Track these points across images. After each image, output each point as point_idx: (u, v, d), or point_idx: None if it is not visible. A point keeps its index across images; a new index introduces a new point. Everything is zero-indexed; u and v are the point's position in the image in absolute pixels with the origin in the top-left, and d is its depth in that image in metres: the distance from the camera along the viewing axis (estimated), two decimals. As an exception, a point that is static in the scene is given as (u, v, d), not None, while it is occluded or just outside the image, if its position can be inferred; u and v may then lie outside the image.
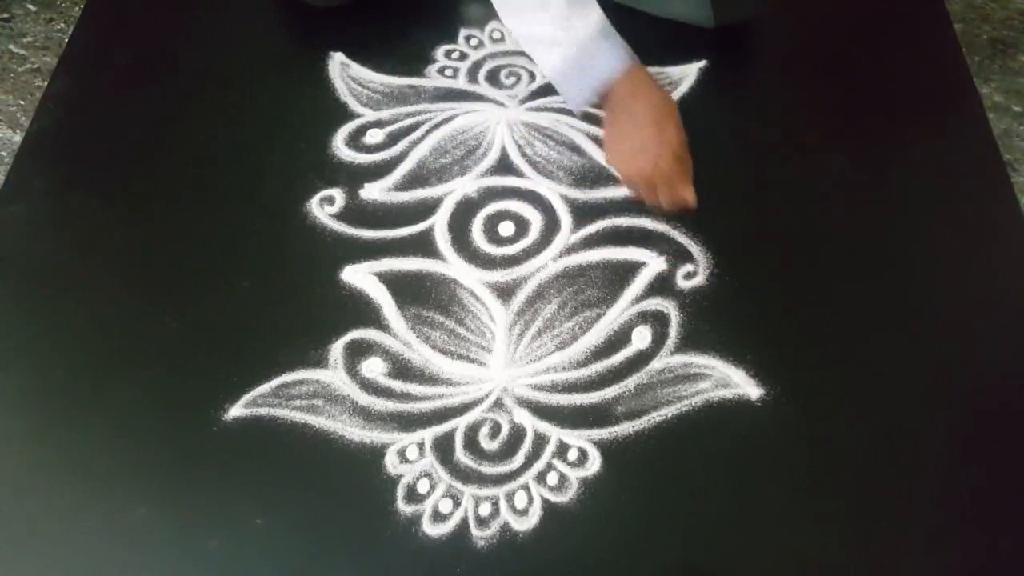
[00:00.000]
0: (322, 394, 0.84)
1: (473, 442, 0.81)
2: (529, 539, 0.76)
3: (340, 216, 0.96)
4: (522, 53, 1.09)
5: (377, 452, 0.81)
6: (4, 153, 1.25)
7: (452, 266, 0.92)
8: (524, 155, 1.00)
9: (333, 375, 0.85)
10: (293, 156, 1.01)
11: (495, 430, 0.82)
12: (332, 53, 1.09)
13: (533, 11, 0.83)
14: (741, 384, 0.83)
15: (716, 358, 0.85)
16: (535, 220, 0.95)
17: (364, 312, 0.89)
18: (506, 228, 0.95)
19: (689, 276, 0.90)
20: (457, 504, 0.78)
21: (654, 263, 0.91)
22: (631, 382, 0.84)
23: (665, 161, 0.85)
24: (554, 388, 0.84)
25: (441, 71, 1.08)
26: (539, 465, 0.80)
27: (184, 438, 0.82)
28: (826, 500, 0.78)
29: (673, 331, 0.87)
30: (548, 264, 0.92)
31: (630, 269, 0.91)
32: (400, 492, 0.78)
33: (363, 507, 0.78)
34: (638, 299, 0.89)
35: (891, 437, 0.81)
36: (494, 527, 0.77)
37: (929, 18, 1.13)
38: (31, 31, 1.41)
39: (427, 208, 0.96)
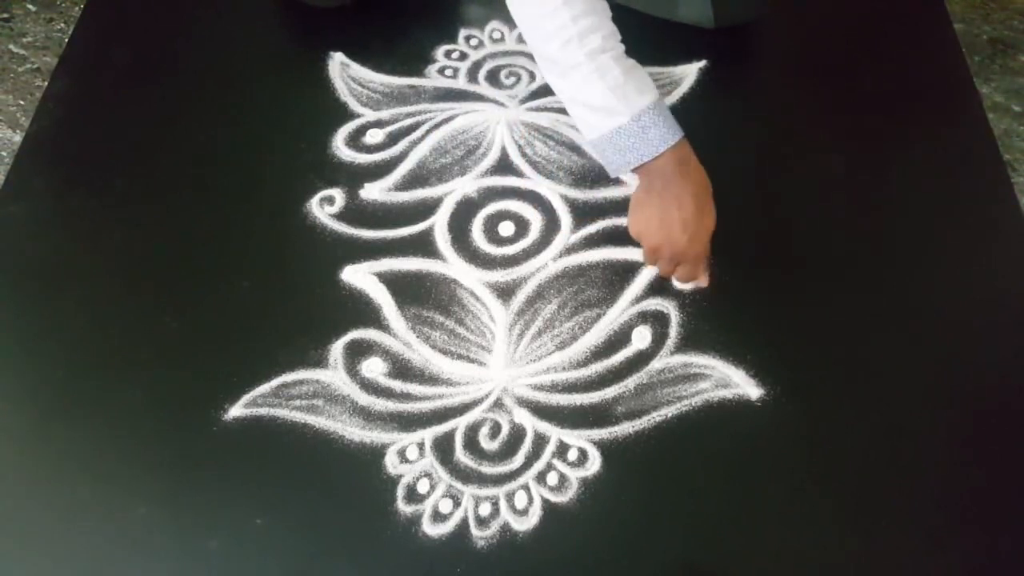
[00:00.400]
0: (322, 394, 0.84)
1: (473, 442, 0.81)
2: (529, 539, 0.76)
3: (340, 216, 0.96)
4: (522, 53, 1.09)
5: (377, 452, 0.81)
6: (4, 153, 1.25)
7: (452, 266, 0.92)
8: (524, 155, 1.00)
9: (333, 375, 0.85)
10: (293, 156, 1.01)
11: (495, 430, 0.82)
12: (332, 53, 1.09)
13: (586, 78, 0.81)
14: (741, 384, 0.83)
15: (716, 358, 0.85)
16: (535, 220, 0.95)
17: (364, 312, 0.89)
18: (506, 228, 0.95)
19: (689, 276, 0.90)
20: (457, 504, 0.78)
21: (654, 263, 0.91)
22: (631, 382, 0.84)
23: (700, 243, 0.84)
24: (554, 388, 0.84)
25: (441, 71, 1.08)
26: (539, 465, 0.80)
27: (184, 438, 0.82)
28: (826, 500, 0.78)
29: (673, 331, 0.87)
30: (548, 264, 0.92)
31: (630, 269, 0.91)
32: (400, 492, 0.78)
33: (363, 507, 0.78)
34: (638, 299, 0.89)
35: (891, 437, 0.81)
36: (494, 527, 0.77)
37: (929, 18, 1.13)
38: (31, 31, 1.41)
39: (427, 208, 0.96)
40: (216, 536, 0.77)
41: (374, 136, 1.02)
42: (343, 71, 1.07)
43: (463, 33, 1.12)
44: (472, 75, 1.07)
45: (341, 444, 0.81)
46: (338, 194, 0.97)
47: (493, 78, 1.07)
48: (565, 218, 0.95)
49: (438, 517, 0.77)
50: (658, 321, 0.88)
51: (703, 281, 0.88)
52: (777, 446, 0.81)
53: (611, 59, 0.81)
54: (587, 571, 0.76)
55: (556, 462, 0.80)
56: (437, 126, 1.02)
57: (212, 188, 0.99)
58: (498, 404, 0.83)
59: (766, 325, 0.88)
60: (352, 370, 0.85)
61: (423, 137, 1.01)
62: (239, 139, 1.03)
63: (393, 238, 0.94)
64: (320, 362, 0.86)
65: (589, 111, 0.83)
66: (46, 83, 1.14)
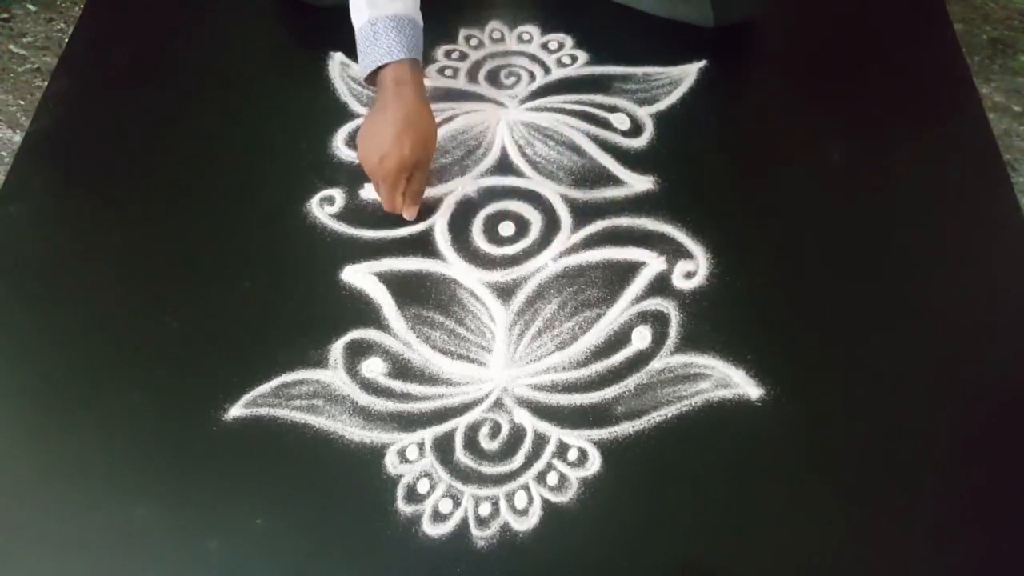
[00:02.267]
0: (322, 394, 0.84)
1: (473, 442, 0.81)
2: (529, 539, 0.76)
3: (340, 216, 0.96)
4: (522, 53, 1.09)
5: (377, 452, 0.81)
6: (4, 153, 1.25)
7: (452, 266, 0.92)
8: (524, 155, 1.00)
9: (333, 375, 0.85)
10: (293, 156, 1.01)
11: (495, 430, 0.82)
12: (332, 53, 1.09)
13: None
14: (741, 384, 0.83)
15: (716, 358, 0.85)
16: (535, 220, 0.95)
17: (364, 312, 0.89)
18: (506, 228, 0.95)
19: (689, 276, 0.90)
20: (457, 504, 0.78)
21: (654, 263, 0.91)
22: (631, 382, 0.84)
23: (389, 163, 0.89)
24: (554, 388, 0.84)
25: (441, 71, 1.08)
26: (539, 465, 0.80)
27: (184, 438, 0.82)
28: (826, 500, 0.78)
29: (673, 331, 0.87)
30: (548, 264, 0.92)
31: (630, 269, 0.91)
32: (400, 492, 0.78)
33: (363, 507, 0.78)
34: (638, 299, 0.89)
35: (891, 437, 0.81)
36: (494, 527, 0.77)
37: (929, 18, 1.13)
38: (31, 31, 1.41)
39: (427, 208, 0.96)
40: (216, 536, 0.77)
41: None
42: (343, 71, 1.07)
43: (463, 33, 1.12)
44: (472, 75, 1.07)
45: (341, 444, 0.81)
46: (338, 194, 0.97)
47: (493, 78, 1.07)
48: (565, 218, 0.95)
49: (438, 517, 0.77)
50: (658, 321, 0.88)
51: (406, 214, 0.93)
52: (777, 446, 0.81)
53: None
54: (587, 571, 0.76)
55: (556, 462, 0.80)
56: (437, 126, 1.02)
57: (212, 188, 0.99)
58: (498, 404, 0.83)
59: (766, 325, 0.88)
60: (352, 370, 0.85)
61: (423, 137, 1.01)
62: (239, 139, 1.03)
63: (393, 238, 0.94)
64: (320, 362, 0.86)
65: (353, 4, 0.90)
66: (46, 83, 1.14)
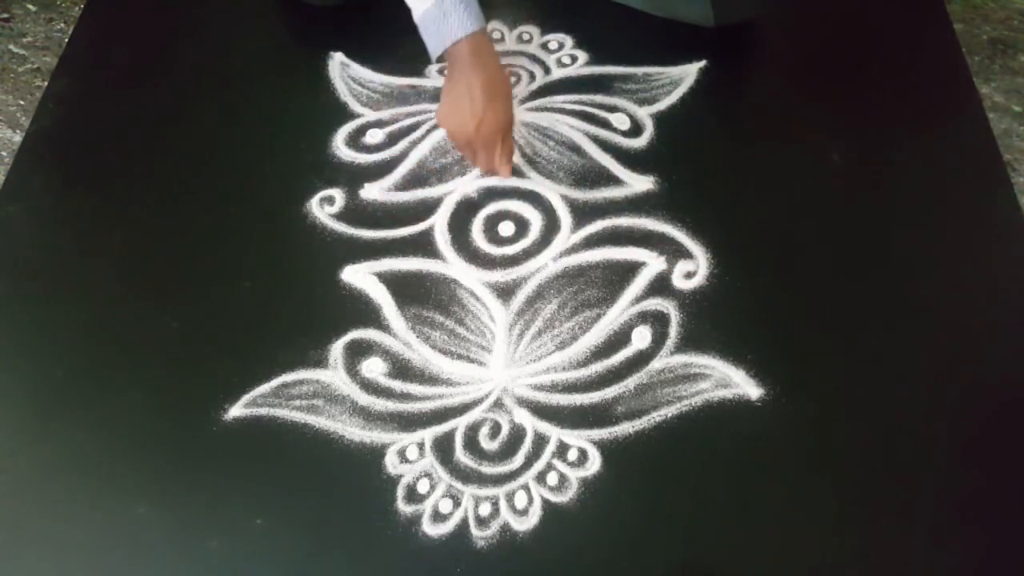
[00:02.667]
0: (322, 394, 0.84)
1: (473, 442, 0.81)
2: (529, 539, 0.76)
3: (340, 216, 0.96)
4: (522, 53, 1.09)
5: (377, 452, 0.81)
6: (4, 153, 1.25)
7: (452, 266, 0.92)
8: (524, 155, 1.00)
9: (333, 375, 0.85)
10: (293, 156, 1.01)
11: (495, 430, 0.82)
12: (332, 53, 1.09)
13: None
14: (741, 384, 0.83)
15: (716, 358, 0.85)
16: (535, 220, 0.95)
17: (364, 312, 0.89)
18: (506, 228, 0.95)
19: (689, 276, 0.90)
20: (457, 504, 0.78)
21: (654, 263, 0.91)
22: (631, 382, 0.84)
23: (486, 127, 0.91)
24: (554, 388, 0.84)
25: (441, 71, 1.08)
26: (539, 465, 0.80)
27: (184, 438, 0.82)
28: (826, 500, 0.78)
29: (673, 331, 0.87)
30: (548, 264, 0.92)
31: (630, 269, 0.91)
32: (400, 492, 0.78)
33: (363, 507, 0.78)
34: (638, 299, 0.89)
35: (891, 437, 0.81)
36: (494, 527, 0.77)
37: (929, 18, 1.13)
38: (31, 31, 1.41)
39: (427, 208, 0.96)
40: (216, 536, 0.77)
41: (374, 136, 1.02)
42: (343, 71, 1.07)
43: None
44: (472, 75, 1.07)
45: (341, 444, 0.81)
46: (338, 194, 0.97)
47: (493, 78, 1.07)
48: (565, 218, 0.95)
49: (438, 517, 0.77)
50: (658, 321, 0.88)
51: (502, 173, 0.95)
52: (777, 446, 0.81)
53: None
54: (587, 571, 0.76)
55: (556, 462, 0.80)
56: (437, 126, 1.02)
57: (212, 188, 0.99)
58: (498, 404, 0.83)
59: (766, 325, 0.88)
60: (352, 370, 0.85)
61: (423, 137, 1.01)
62: (239, 139, 1.03)
63: (393, 238, 0.94)
64: (320, 362, 0.86)
65: None
66: (46, 83, 1.14)
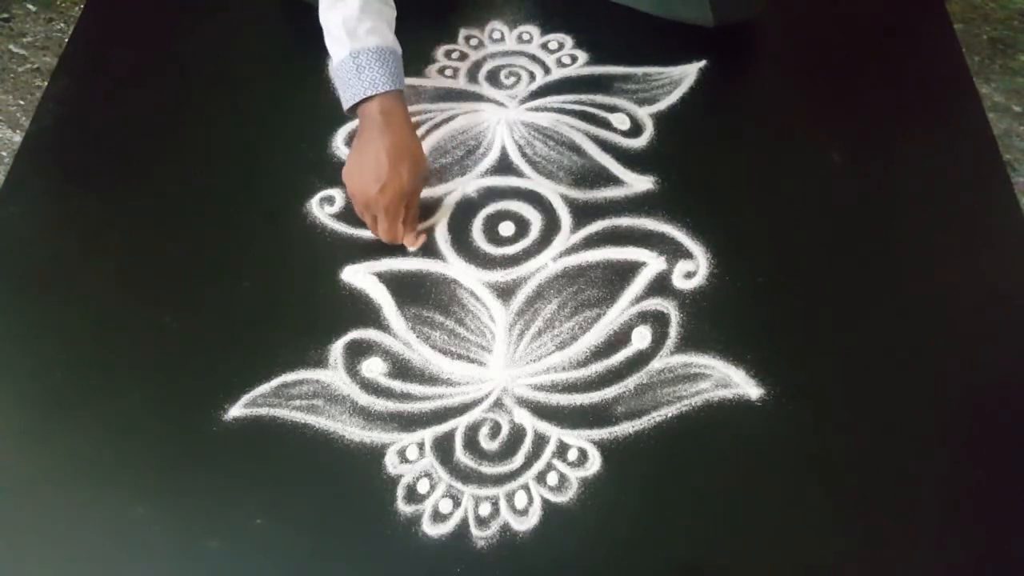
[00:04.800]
0: (322, 394, 0.84)
1: (473, 442, 0.81)
2: (529, 539, 0.76)
3: (340, 216, 0.96)
4: (522, 53, 1.09)
5: (377, 452, 0.81)
6: (4, 153, 1.25)
7: (452, 266, 0.92)
8: (524, 155, 1.00)
9: (333, 375, 0.85)
10: (293, 156, 1.01)
11: (495, 430, 0.82)
12: (332, 53, 1.08)
13: (332, 5, 0.90)
14: (741, 384, 0.83)
15: (716, 358, 0.85)
16: (535, 220, 0.95)
17: (364, 312, 0.89)
18: (506, 228, 0.95)
19: (689, 276, 0.90)
20: (457, 504, 0.78)
21: (654, 263, 0.91)
22: (631, 382, 0.84)
23: (389, 192, 0.89)
24: (554, 388, 0.84)
25: (441, 71, 1.08)
26: (539, 465, 0.80)
27: (184, 438, 0.82)
28: (826, 500, 0.78)
29: (673, 331, 0.87)
30: (548, 264, 0.92)
31: (630, 269, 0.91)
32: (400, 492, 0.78)
33: (363, 507, 0.78)
34: (638, 299, 0.89)
35: (891, 437, 0.81)
36: (494, 527, 0.77)
37: (929, 18, 1.14)
38: (31, 31, 1.41)
39: (427, 208, 0.96)
40: (216, 536, 0.77)
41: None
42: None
43: (463, 33, 1.12)
44: (472, 75, 1.07)
45: (341, 444, 0.81)
46: (338, 194, 0.97)
47: (493, 78, 1.07)
48: (565, 218, 0.95)
49: (438, 517, 0.77)
50: (658, 321, 0.88)
51: (408, 242, 0.92)
52: (777, 446, 0.81)
53: None
54: (587, 571, 0.76)
55: (556, 462, 0.80)
56: (437, 126, 1.02)
57: (212, 188, 0.99)
58: (498, 404, 0.83)
59: (766, 325, 0.88)
60: (352, 370, 0.85)
61: (423, 137, 1.01)
62: (239, 139, 1.03)
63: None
64: (320, 362, 0.86)
65: (329, 38, 0.91)
66: (46, 83, 1.14)
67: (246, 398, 0.83)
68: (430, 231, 0.95)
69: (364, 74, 0.88)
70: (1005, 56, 1.34)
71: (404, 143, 0.89)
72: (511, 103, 1.04)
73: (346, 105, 0.90)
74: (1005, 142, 1.22)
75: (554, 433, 0.82)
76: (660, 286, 0.90)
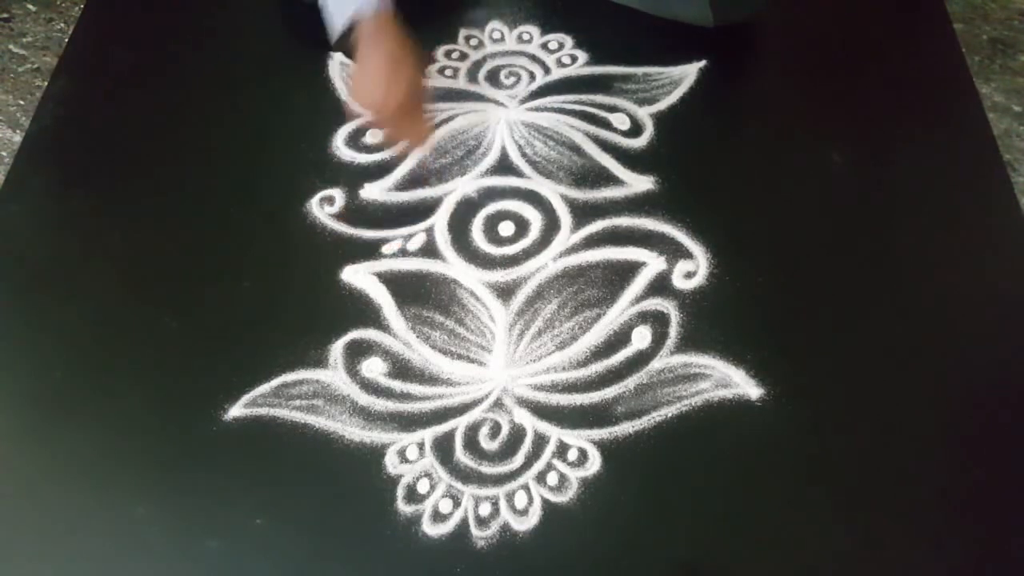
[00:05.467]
0: (322, 394, 0.84)
1: (473, 442, 0.81)
2: (529, 539, 0.76)
3: (340, 216, 0.96)
4: (522, 53, 1.09)
5: (377, 452, 0.81)
6: (4, 153, 1.25)
7: (452, 266, 0.92)
8: (524, 155, 1.00)
9: (333, 375, 0.85)
10: (293, 156, 1.01)
11: (495, 430, 0.82)
12: (332, 53, 1.08)
13: None
14: (741, 384, 0.83)
15: (716, 358, 0.85)
16: (535, 220, 0.95)
17: (364, 312, 0.89)
18: (506, 228, 0.95)
19: (689, 276, 0.90)
20: (457, 504, 0.78)
21: (654, 263, 0.91)
22: (631, 382, 0.84)
23: (395, 98, 0.91)
24: (554, 388, 0.84)
25: (441, 71, 1.08)
26: (539, 465, 0.80)
27: (184, 438, 0.82)
28: (826, 500, 0.78)
29: (673, 331, 0.87)
30: (548, 264, 0.92)
31: (630, 269, 0.91)
32: (400, 492, 0.78)
33: (363, 507, 0.78)
34: (638, 299, 0.89)
35: (891, 437, 0.81)
36: (494, 527, 0.77)
37: (929, 18, 1.13)
38: (31, 31, 1.41)
39: (427, 208, 0.96)
40: (216, 536, 0.77)
41: (374, 136, 1.02)
42: (343, 71, 1.07)
43: (463, 33, 1.12)
44: (472, 75, 1.07)
45: (341, 444, 0.81)
46: (338, 194, 0.97)
47: (493, 78, 1.07)
48: (565, 218, 0.95)
49: (438, 517, 0.77)
50: (658, 321, 0.88)
51: (424, 138, 0.95)
52: (777, 446, 0.81)
53: None
54: (587, 571, 0.76)
55: (556, 462, 0.80)
56: (437, 126, 1.02)
57: (212, 188, 0.99)
58: (498, 404, 0.83)
59: (766, 325, 0.88)
60: (352, 370, 0.85)
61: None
62: (239, 139, 1.03)
63: (393, 238, 0.94)
64: (320, 362, 0.86)
65: None
66: (46, 83, 1.14)
67: (246, 398, 0.83)
68: (430, 230, 0.95)
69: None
70: (1005, 56, 1.34)
71: (396, 52, 0.92)
72: (511, 103, 1.04)
73: (337, 31, 0.94)
74: (1005, 142, 1.22)
75: (554, 433, 0.82)
76: (660, 286, 0.90)
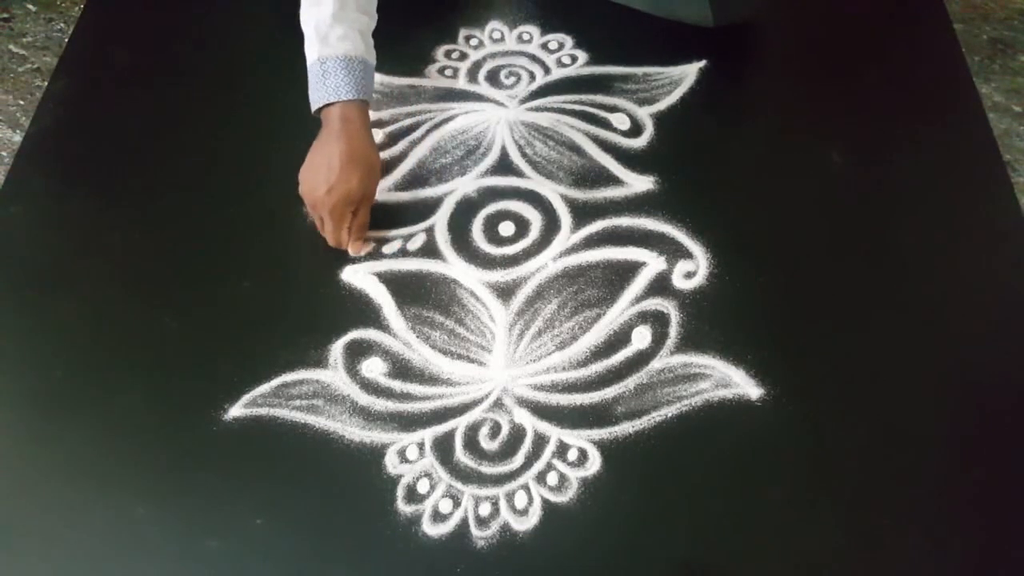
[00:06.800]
0: (322, 394, 0.84)
1: (473, 442, 0.81)
2: (529, 539, 0.76)
3: (340, 216, 0.96)
4: (522, 53, 1.09)
5: (377, 452, 0.81)
6: (4, 153, 1.25)
7: (452, 266, 0.92)
8: (524, 155, 1.00)
9: (333, 375, 0.85)
10: (293, 156, 1.00)
11: (495, 430, 0.82)
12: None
13: (313, 4, 0.92)
14: (741, 384, 0.83)
15: (716, 358, 0.85)
16: (535, 220, 0.95)
17: (364, 312, 0.89)
18: (506, 228, 0.95)
19: (689, 276, 0.90)
20: (457, 504, 0.78)
21: (654, 263, 0.91)
22: (631, 382, 0.84)
23: (336, 196, 0.89)
24: (554, 388, 0.84)
25: (441, 71, 1.08)
26: (539, 465, 0.80)
27: (184, 438, 0.82)
28: (826, 500, 0.78)
29: (673, 331, 0.87)
30: (548, 264, 0.92)
31: (630, 269, 0.91)
32: (400, 492, 0.78)
33: (363, 507, 0.78)
34: (638, 299, 0.89)
35: (891, 437, 0.81)
36: (494, 527, 0.77)
37: (929, 18, 1.13)
38: (31, 31, 1.41)
39: (427, 208, 0.96)
40: (216, 536, 0.77)
41: (374, 136, 1.02)
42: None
43: (463, 33, 1.12)
44: (472, 75, 1.07)
45: (341, 444, 0.81)
46: (338, 194, 0.97)
47: (493, 78, 1.07)
48: (565, 218, 0.95)
49: (438, 517, 0.77)
50: (658, 321, 0.88)
51: (352, 249, 0.92)
52: (777, 446, 0.81)
53: (334, 2, 0.90)
54: (587, 571, 0.76)
55: (556, 462, 0.80)
56: (437, 126, 1.02)
57: (212, 188, 0.99)
58: (498, 404, 0.83)
59: (766, 325, 0.88)
60: (352, 370, 0.85)
61: (423, 137, 1.02)
62: (239, 139, 1.03)
63: (393, 238, 0.94)
64: (320, 362, 0.86)
65: (306, 39, 0.92)
66: (46, 83, 1.14)
67: (246, 398, 0.83)
68: (431, 230, 0.95)
69: (329, 80, 0.90)
70: (1005, 56, 1.34)
71: (359, 151, 0.90)
72: (511, 103, 1.04)
73: (313, 107, 0.92)
74: (1005, 142, 1.22)
75: (554, 433, 0.82)
76: (660, 286, 0.90)
